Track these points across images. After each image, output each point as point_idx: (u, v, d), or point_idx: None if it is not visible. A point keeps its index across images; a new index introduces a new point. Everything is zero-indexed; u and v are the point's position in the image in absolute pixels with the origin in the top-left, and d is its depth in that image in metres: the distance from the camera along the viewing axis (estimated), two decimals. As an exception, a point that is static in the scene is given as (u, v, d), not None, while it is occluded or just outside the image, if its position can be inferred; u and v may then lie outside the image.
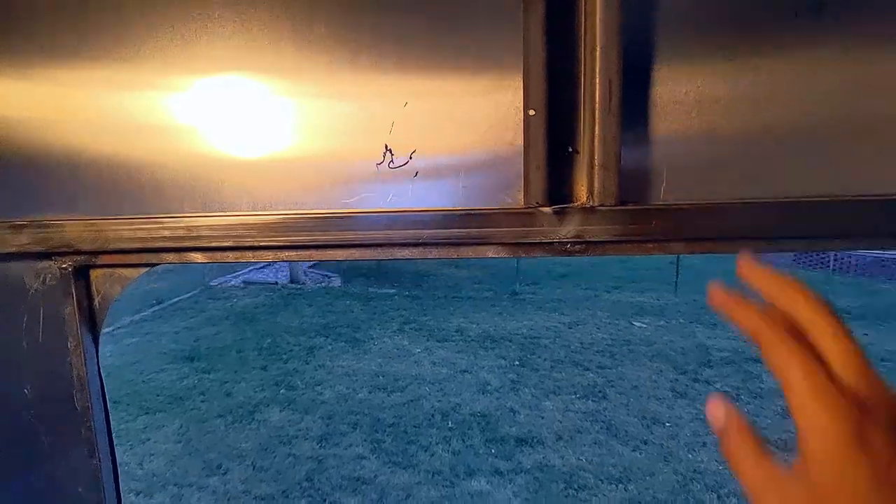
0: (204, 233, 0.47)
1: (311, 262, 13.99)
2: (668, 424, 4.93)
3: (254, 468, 3.96)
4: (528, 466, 4.08)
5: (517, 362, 6.57)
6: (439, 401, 5.28)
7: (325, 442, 4.39)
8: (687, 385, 5.98)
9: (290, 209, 0.48)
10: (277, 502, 3.55)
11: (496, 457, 4.22)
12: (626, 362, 6.74)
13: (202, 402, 5.13)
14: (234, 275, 11.77)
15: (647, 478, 3.98)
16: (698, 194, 0.48)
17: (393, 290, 10.95)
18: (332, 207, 0.47)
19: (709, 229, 0.48)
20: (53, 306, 0.52)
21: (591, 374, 6.22)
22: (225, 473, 3.88)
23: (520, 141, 0.46)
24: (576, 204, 0.46)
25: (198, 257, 0.49)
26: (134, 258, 0.48)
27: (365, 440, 4.43)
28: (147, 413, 4.89)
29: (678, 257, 12.54)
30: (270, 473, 3.89)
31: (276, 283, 11.31)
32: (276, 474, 3.88)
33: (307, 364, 6.23)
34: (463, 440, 4.48)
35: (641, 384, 5.98)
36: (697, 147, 0.48)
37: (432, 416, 4.93)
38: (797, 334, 0.27)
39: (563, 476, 3.95)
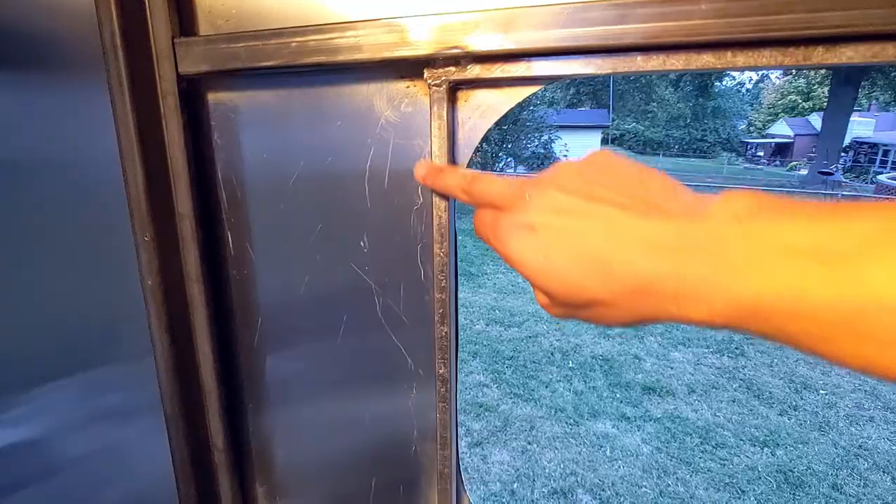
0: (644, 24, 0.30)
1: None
2: (822, 392, 4.35)
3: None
4: (658, 415, 3.87)
5: (639, 309, 6.20)
6: (558, 340, 5.19)
7: (447, 366, 4.56)
8: (847, 351, 5.20)
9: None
10: (406, 415, 3.80)
11: (621, 402, 4.07)
12: (767, 320, 6.03)
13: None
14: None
15: (800, 445, 3.57)
16: None
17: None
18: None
19: None
20: (408, 141, 0.40)
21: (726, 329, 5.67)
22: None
23: None
24: None
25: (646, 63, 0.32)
26: (533, 67, 0.33)
27: (485, 369, 4.52)
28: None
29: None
30: (402, 389, 4.16)
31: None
32: (407, 390, 4.15)
33: (426, 293, 6.46)
34: (585, 381, 4.38)
35: (787, 345, 5.32)
36: None
37: (551, 354, 4.87)
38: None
39: (697, 430, 3.69)
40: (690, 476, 3.19)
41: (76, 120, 0.48)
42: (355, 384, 0.49)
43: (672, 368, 4.67)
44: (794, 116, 35.59)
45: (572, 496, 2.97)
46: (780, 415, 3.98)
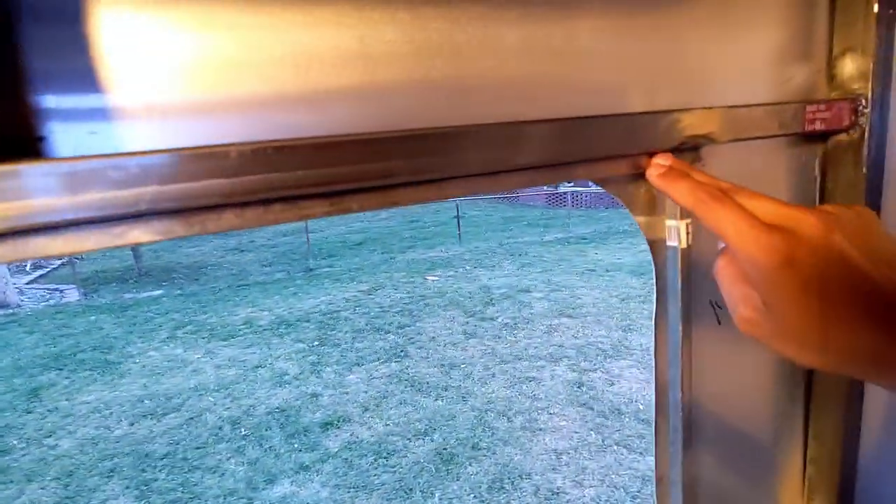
0: None
1: (33, 276, 10.60)
2: (463, 366, 5.29)
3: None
4: (336, 449, 3.84)
5: (316, 342, 6.19)
6: (227, 409, 4.58)
7: (65, 509, 3.33)
8: (475, 325, 6.54)
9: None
10: None
11: (300, 451, 3.87)
12: (423, 317, 7.02)
13: None
14: None
15: (450, 422, 4.18)
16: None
17: (160, 292, 9.18)
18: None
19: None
20: None
21: (392, 336, 6.27)
22: None
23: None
24: None
25: None
26: None
27: (127, 487, 3.52)
28: None
29: (457, 210, 13.62)
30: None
31: (-30, 313, 8.22)
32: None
33: (29, 413, 4.67)
34: (260, 445, 3.97)
35: (438, 334, 6.30)
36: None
37: (220, 428, 4.24)
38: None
39: (372, 448, 3.84)
40: (366, 499, 3.24)
41: None
42: None
43: (348, 393, 4.78)
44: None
45: None
46: (436, 400, 4.58)
